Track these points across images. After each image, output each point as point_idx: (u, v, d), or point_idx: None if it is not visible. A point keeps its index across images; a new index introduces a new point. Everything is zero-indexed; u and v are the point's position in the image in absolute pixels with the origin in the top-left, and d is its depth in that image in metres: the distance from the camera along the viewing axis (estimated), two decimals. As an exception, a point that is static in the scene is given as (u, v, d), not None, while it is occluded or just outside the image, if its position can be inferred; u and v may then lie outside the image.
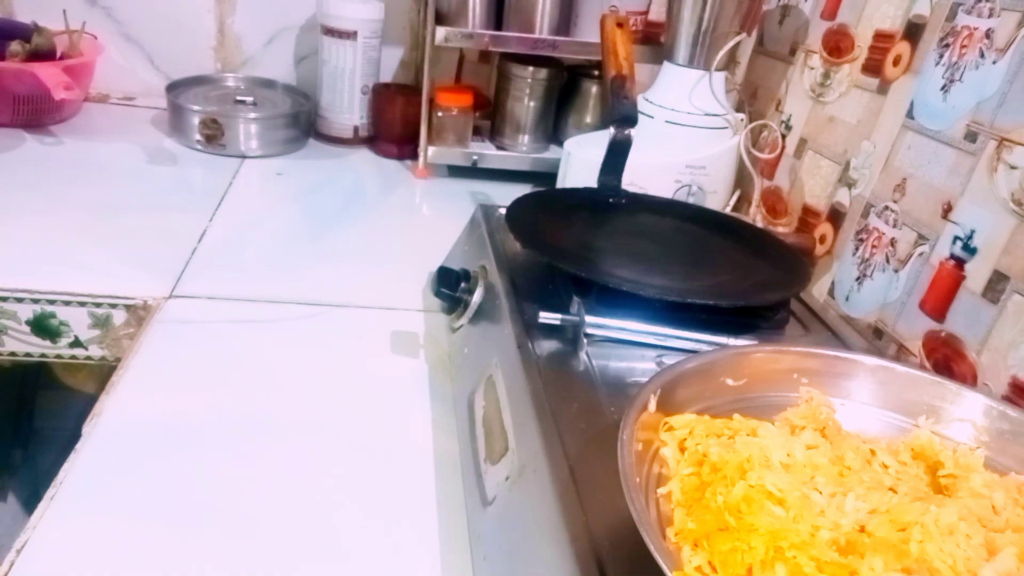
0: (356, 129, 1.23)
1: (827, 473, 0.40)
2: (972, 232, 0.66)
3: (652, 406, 0.42)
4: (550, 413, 0.49)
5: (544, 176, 1.13)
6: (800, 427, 0.44)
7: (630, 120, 0.77)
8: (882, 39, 0.82)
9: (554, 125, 1.20)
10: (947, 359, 0.66)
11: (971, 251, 0.65)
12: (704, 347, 0.57)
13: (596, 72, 1.17)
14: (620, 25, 0.83)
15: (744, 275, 0.67)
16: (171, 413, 0.60)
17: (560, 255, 0.63)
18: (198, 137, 1.12)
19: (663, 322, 0.56)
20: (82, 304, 0.73)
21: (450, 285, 0.67)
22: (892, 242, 0.76)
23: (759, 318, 0.62)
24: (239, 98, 1.20)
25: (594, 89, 1.18)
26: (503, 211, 0.79)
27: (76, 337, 0.74)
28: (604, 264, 0.65)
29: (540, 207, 0.71)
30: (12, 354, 0.74)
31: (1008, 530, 0.37)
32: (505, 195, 1.10)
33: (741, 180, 1.03)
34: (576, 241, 0.70)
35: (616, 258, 0.68)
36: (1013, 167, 0.62)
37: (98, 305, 0.73)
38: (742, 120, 0.98)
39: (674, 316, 0.58)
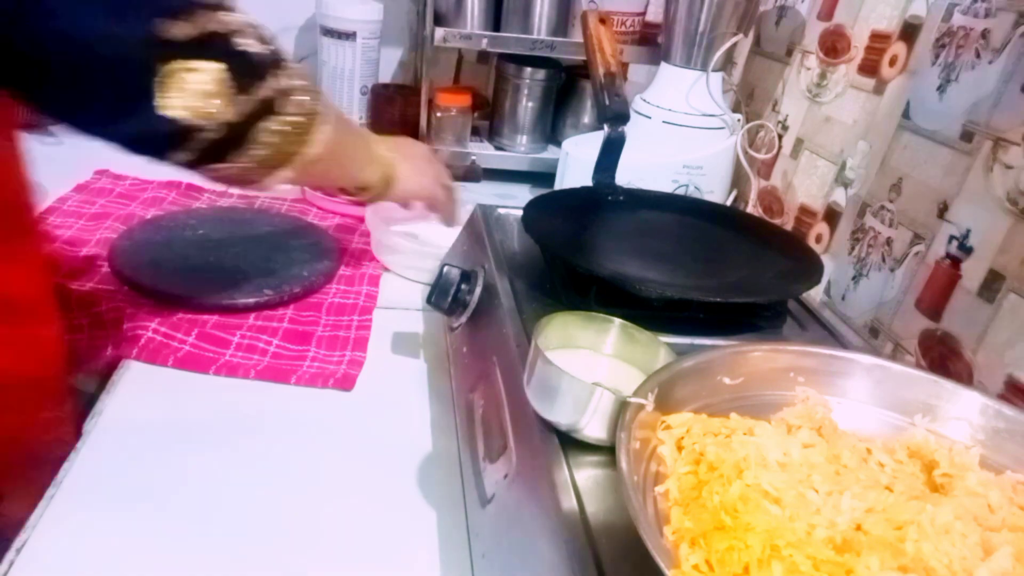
0: (355, 129, 1.23)
1: (823, 472, 0.40)
2: (968, 231, 0.66)
3: (650, 405, 0.42)
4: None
5: (542, 176, 1.13)
6: (796, 426, 0.45)
7: (622, 117, 0.77)
8: (878, 39, 0.82)
9: (552, 125, 1.21)
10: (943, 358, 0.66)
11: (967, 250, 0.66)
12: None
13: (594, 72, 1.18)
14: (603, 22, 0.83)
15: (760, 268, 0.67)
16: (171, 412, 0.61)
17: (595, 263, 0.63)
18: (197, 137, 1.12)
19: (662, 324, 0.56)
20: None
21: (443, 295, 0.67)
22: (888, 241, 0.76)
23: (756, 316, 0.63)
24: (238, 98, 1.19)
25: (591, 89, 1.19)
26: (502, 211, 0.79)
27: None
28: (630, 268, 0.65)
29: (547, 209, 0.71)
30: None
31: (1004, 529, 0.38)
32: (503, 195, 1.11)
33: (738, 180, 1.03)
34: (591, 244, 0.71)
35: (637, 260, 0.68)
36: (1009, 167, 0.63)
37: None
38: (739, 120, 0.98)
39: (672, 316, 0.58)
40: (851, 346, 0.62)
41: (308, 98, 0.54)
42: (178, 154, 0.48)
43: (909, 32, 0.78)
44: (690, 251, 0.73)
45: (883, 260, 0.76)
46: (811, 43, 0.94)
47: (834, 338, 0.63)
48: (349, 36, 1.15)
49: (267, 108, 0.50)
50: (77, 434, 0.57)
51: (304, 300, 0.77)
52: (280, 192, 1.01)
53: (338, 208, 0.98)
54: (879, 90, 0.81)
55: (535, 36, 1.09)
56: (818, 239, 0.88)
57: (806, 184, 0.92)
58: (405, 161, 0.73)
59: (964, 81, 0.69)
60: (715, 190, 0.99)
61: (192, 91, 0.46)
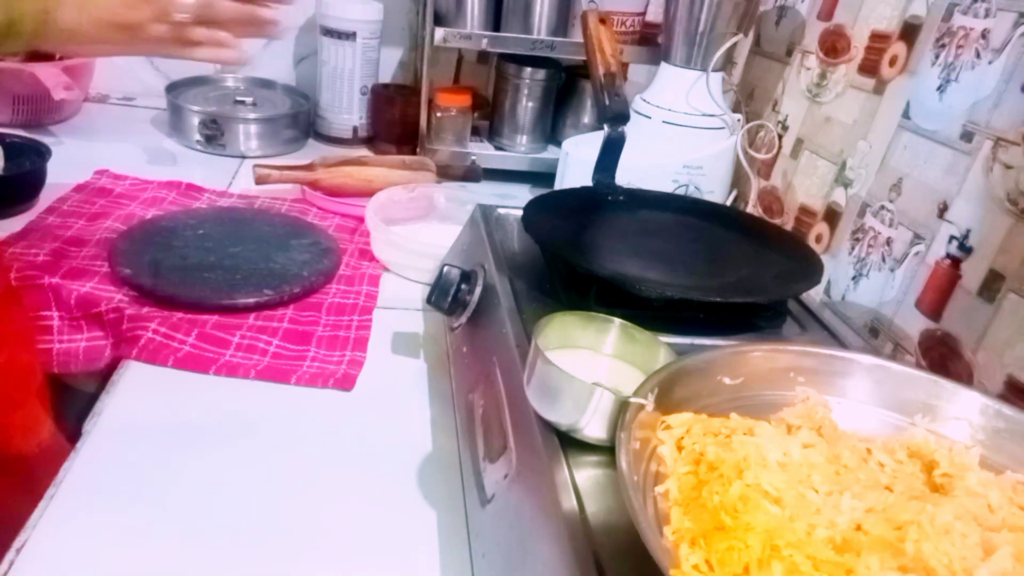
0: (355, 129, 1.23)
1: (823, 472, 0.40)
2: (968, 231, 0.66)
3: (650, 405, 0.42)
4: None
5: (542, 176, 1.13)
6: (796, 426, 0.45)
7: (622, 117, 0.77)
8: (878, 39, 0.82)
9: (552, 125, 1.21)
10: (943, 358, 0.66)
11: (967, 250, 0.66)
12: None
13: (594, 72, 1.18)
14: (603, 22, 0.83)
15: (760, 268, 0.67)
16: (171, 412, 0.61)
17: (595, 263, 0.63)
18: (198, 137, 1.12)
19: (662, 324, 0.56)
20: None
21: (443, 295, 0.67)
22: (888, 241, 0.76)
23: (756, 316, 0.63)
24: (239, 98, 1.20)
25: (591, 89, 1.19)
26: (502, 211, 0.79)
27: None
28: (630, 268, 0.65)
29: (547, 209, 0.71)
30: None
31: (1004, 529, 0.38)
32: (503, 195, 1.11)
33: (738, 180, 1.03)
34: (591, 244, 0.71)
35: (637, 260, 0.68)
36: (1009, 167, 0.63)
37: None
38: (739, 120, 0.98)
39: (672, 316, 0.58)
40: (851, 346, 0.62)
41: None
42: None
43: (909, 32, 0.77)
44: (690, 251, 0.73)
45: (883, 260, 0.76)
46: (811, 43, 0.94)
47: (834, 338, 0.63)
48: (349, 36, 1.15)
49: None
50: (73, 436, 0.57)
51: (304, 300, 0.77)
52: (280, 192, 1.01)
53: (338, 208, 0.98)
54: (879, 90, 0.81)
55: (535, 36, 1.09)
56: (818, 239, 0.88)
57: (806, 184, 0.92)
58: None
59: (964, 81, 0.69)
60: (715, 190, 0.99)
61: None
